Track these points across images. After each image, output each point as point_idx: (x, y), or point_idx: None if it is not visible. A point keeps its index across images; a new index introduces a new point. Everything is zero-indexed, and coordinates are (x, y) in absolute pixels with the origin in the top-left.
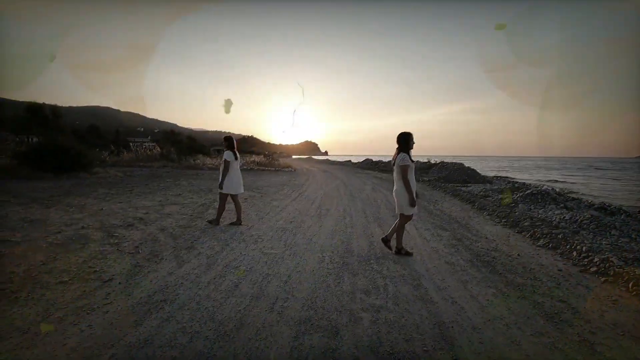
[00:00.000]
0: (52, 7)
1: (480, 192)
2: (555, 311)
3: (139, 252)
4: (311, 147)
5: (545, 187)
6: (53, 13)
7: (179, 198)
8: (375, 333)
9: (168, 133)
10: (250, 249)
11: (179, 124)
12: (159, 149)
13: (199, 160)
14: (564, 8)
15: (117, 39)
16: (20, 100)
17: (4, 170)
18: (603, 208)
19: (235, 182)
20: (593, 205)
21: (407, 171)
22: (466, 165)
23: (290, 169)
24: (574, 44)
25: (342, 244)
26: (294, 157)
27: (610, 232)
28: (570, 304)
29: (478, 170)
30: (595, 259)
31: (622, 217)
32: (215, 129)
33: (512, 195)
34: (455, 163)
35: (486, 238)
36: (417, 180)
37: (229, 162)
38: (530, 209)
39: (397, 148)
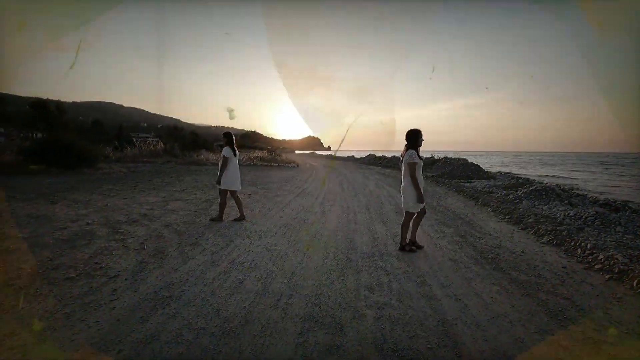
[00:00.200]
0: (54, 4)
1: (484, 188)
2: (560, 309)
3: (144, 249)
4: (314, 142)
5: (549, 183)
6: (55, 11)
7: (183, 194)
8: (379, 330)
9: (171, 129)
10: (255, 245)
11: (182, 120)
12: (162, 144)
13: (202, 156)
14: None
15: (120, 36)
16: (24, 95)
17: (9, 166)
18: (608, 204)
19: (234, 179)
20: (598, 201)
21: (415, 168)
22: (470, 161)
23: (293, 164)
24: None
25: (346, 241)
26: (297, 152)
27: (615, 229)
28: (575, 301)
29: (482, 166)
30: (600, 257)
31: (627, 213)
32: (218, 125)
33: (517, 191)
34: (459, 159)
35: (490, 235)
36: None
37: (227, 158)
38: (535, 205)
39: (405, 145)
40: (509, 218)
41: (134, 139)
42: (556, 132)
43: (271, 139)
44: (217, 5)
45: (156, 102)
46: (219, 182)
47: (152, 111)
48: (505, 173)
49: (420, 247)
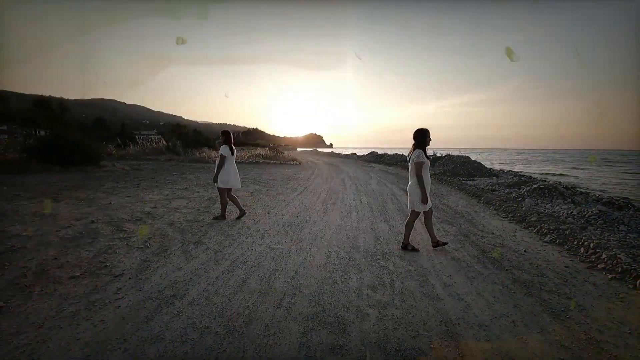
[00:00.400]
0: (57, 1)
1: (486, 186)
2: (562, 308)
3: (147, 247)
4: (316, 140)
5: (552, 181)
6: (58, 7)
7: (186, 192)
8: (382, 329)
9: (174, 126)
10: (257, 244)
11: (184, 117)
12: (164, 142)
13: (204, 154)
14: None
15: (122, 32)
16: (27, 93)
17: (13, 164)
18: (611, 202)
19: (232, 177)
20: (601, 199)
21: (421, 168)
22: (472, 159)
23: (295, 162)
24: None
25: (348, 239)
26: (299, 149)
27: (618, 228)
28: (577, 301)
29: (484, 163)
30: (603, 256)
31: (631, 211)
32: (220, 122)
33: (520, 189)
34: (462, 156)
35: (492, 233)
36: None
37: (224, 156)
38: (537, 204)
39: (413, 144)
40: (511, 216)
41: (137, 137)
42: (560, 129)
43: (273, 136)
44: (219, 3)
45: (159, 99)
46: (215, 180)
47: (154, 108)
48: (508, 171)
49: (444, 244)
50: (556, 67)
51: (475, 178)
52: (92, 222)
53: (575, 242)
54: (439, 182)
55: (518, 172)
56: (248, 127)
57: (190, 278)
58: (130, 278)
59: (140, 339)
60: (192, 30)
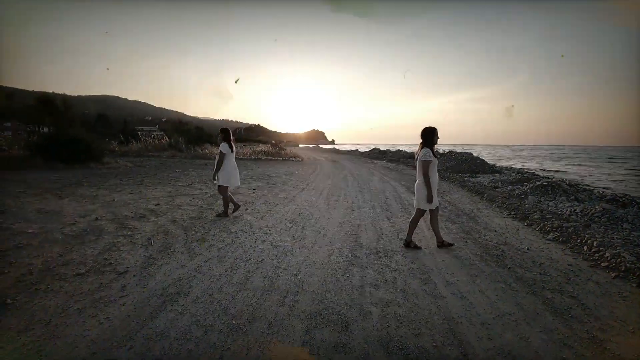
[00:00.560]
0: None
1: (489, 183)
2: (565, 307)
3: (151, 244)
4: (318, 136)
5: (555, 178)
6: (60, 3)
7: (189, 189)
8: (384, 328)
9: (176, 123)
10: (260, 241)
11: (187, 113)
12: (167, 138)
13: (206, 150)
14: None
15: (124, 29)
16: (30, 89)
17: (18, 161)
18: (615, 200)
19: (232, 175)
20: (605, 196)
21: (428, 167)
22: (475, 155)
23: (297, 158)
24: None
25: (351, 237)
26: (300, 145)
27: (622, 226)
28: (580, 300)
29: (487, 160)
30: (607, 254)
31: (635, 209)
32: (222, 118)
33: (523, 186)
34: (464, 153)
35: (495, 231)
36: None
37: (224, 154)
38: (541, 201)
39: (420, 143)
40: (514, 214)
41: (139, 133)
42: (563, 125)
43: (275, 132)
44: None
45: (161, 95)
46: (214, 178)
47: (157, 105)
48: (511, 167)
49: (450, 245)
50: (559, 64)
51: (478, 175)
52: (96, 219)
53: (579, 240)
54: (441, 178)
55: (520, 168)
56: (250, 123)
57: (194, 275)
58: (134, 275)
59: (145, 336)
60: (193, 27)
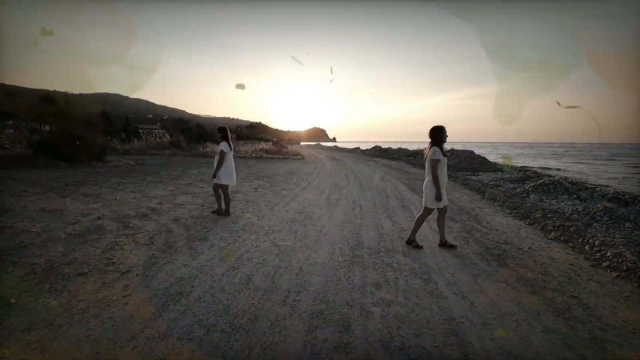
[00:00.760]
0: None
1: (490, 181)
2: (566, 307)
3: (153, 244)
4: (319, 133)
5: (557, 176)
6: (62, 2)
7: (190, 187)
8: (386, 328)
9: (177, 121)
10: (262, 240)
11: (188, 111)
12: (168, 136)
13: (208, 148)
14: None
15: (125, 27)
16: (32, 87)
17: (20, 159)
18: (617, 198)
19: (231, 174)
20: (607, 195)
21: (436, 166)
22: (476, 153)
23: (299, 156)
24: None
25: (352, 236)
26: (302, 143)
27: (624, 225)
28: (582, 299)
29: (488, 158)
30: (608, 254)
31: (637, 207)
32: (223, 116)
33: (524, 185)
34: (465, 150)
35: (497, 230)
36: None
37: (225, 153)
38: (542, 200)
39: (429, 142)
40: (516, 213)
41: (140, 131)
42: (565, 122)
43: (276, 130)
44: None
45: (162, 93)
46: (215, 176)
47: (158, 102)
48: (512, 165)
49: (452, 246)
50: (559, 61)
51: (479, 173)
52: (99, 218)
53: (580, 240)
54: None
55: (523, 166)
56: (251, 121)
57: (196, 275)
58: (137, 275)
59: (148, 336)
60: (195, 23)
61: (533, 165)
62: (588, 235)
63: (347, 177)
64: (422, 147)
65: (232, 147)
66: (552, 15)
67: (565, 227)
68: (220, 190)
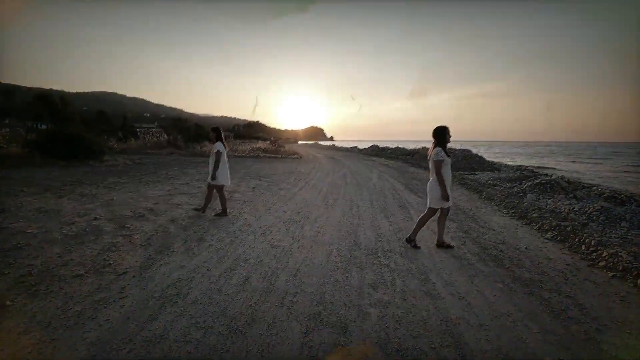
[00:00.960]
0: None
1: (487, 180)
2: (562, 308)
3: (150, 245)
4: (317, 132)
5: (554, 175)
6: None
7: (188, 187)
8: (383, 329)
9: (174, 120)
10: (259, 241)
11: (185, 110)
12: (165, 135)
13: (205, 148)
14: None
15: (122, 24)
16: (29, 86)
17: (17, 158)
18: (613, 197)
19: (226, 174)
20: (603, 194)
21: (440, 166)
22: (474, 152)
23: (296, 155)
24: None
25: (350, 236)
26: (300, 142)
27: (620, 224)
28: (578, 300)
29: (485, 157)
30: (604, 254)
31: (633, 206)
32: (221, 114)
33: (521, 184)
34: (463, 149)
35: (494, 230)
36: (424, 168)
37: (221, 153)
38: (539, 199)
39: (433, 142)
40: (512, 212)
41: (138, 130)
42: (563, 121)
43: (274, 129)
44: None
45: (159, 92)
46: (214, 178)
47: (155, 101)
48: (509, 164)
49: (450, 247)
50: (558, 59)
51: (476, 172)
52: (95, 218)
53: (577, 240)
54: None
55: (520, 166)
56: (249, 119)
57: (193, 276)
58: (133, 276)
59: (144, 338)
60: (191, 21)
61: (528, 164)
62: (584, 235)
63: (345, 176)
64: (418, 146)
65: (226, 147)
66: (550, 14)
67: (562, 227)
68: (215, 190)
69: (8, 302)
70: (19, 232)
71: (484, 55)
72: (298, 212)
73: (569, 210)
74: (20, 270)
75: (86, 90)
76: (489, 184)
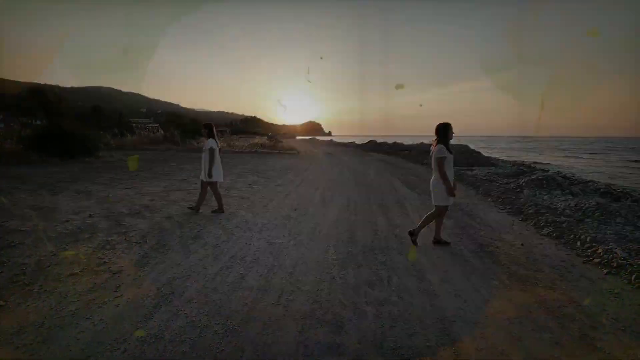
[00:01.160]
0: None
1: (485, 176)
2: (557, 305)
3: (146, 242)
4: (314, 128)
5: (551, 171)
6: None
7: (184, 183)
8: (379, 328)
9: (171, 115)
10: (256, 238)
11: (182, 105)
12: (162, 131)
13: (202, 143)
14: None
15: (118, 18)
16: (23, 80)
17: (11, 155)
18: (609, 192)
19: (220, 171)
20: (599, 189)
21: (443, 163)
22: (471, 148)
23: (294, 151)
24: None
25: (346, 233)
26: (297, 137)
27: (615, 220)
28: (572, 297)
29: (483, 152)
30: (599, 250)
31: (628, 202)
32: (218, 110)
33: (518, 179)
34: (460, 145)
35: (490, 226)
36: (421, 164)
37: (214, 150)
38: (536, 195)
39: (435, 139)
40: (509, 208)
41: (134, 125)
42: (563, 116)
43: (271, 124)
44: None
45: (156, 87)
46: (210, 176)
47: (152, 96)
48: (506, 160)
49: (447, 243)
50: (555, 54)
51: (473, 168)
52: (90, 216)
53: (572, 236)
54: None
55: (517, 161)
56: (246, 115)
57: (189, 275)
58: (128, 275)
59: (139, 338)
60: (187, 15)
61: (525, 160)
62: (580, 231)
63: (342, 172)
64: (416, 142)
65: (218, 143)
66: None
67: (558, 223)
68: (209, 187)
69: (1, 302)
70: (13, 230)
71: (479, 49)
72: (295, 209)
73: (565, 206)
74: (14, 269)
75: (81, 85)
76: (486, 179)
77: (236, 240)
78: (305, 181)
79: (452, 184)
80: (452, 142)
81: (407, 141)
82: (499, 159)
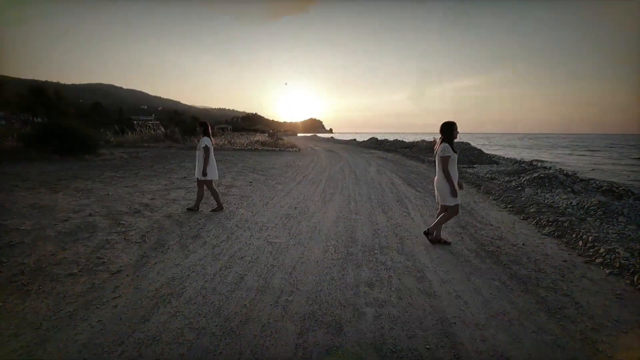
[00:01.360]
0: None
1: (486, 174)
2: (559, 306)
3: (145, 242)
4: (316, 125)
5: (553, 169)
6: None
7: (184, 182)
8: (378, 329)
9: (172, 113)
10: (255, 237)
11: (183, 102)
12: (162, 128)
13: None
14: None
15: (119, 15)
16: (24, 77)
17: (11, 153)
18: (611, 190)
19: (214, 169)
20: (601, 187)
21: (447, 162)
22: (473, 145)
23: (295, 148)
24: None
25: (346, 232)
26: (299, 135)
27: (617, 219)
28: (574, 298)
29: (483, 149)
30: (601, 250)
31: (630, 201)
32: (219, 107)
33: (520, 177)
34: (462, 142)
35: (491, 225)
36: (422, 161)
37: (209, 148)
38: (537, 193)
39: (439, 137)
40: (510, 207)
41: (134, 122)
42: (563, 113)
43: (272, 121)
44: None
45: (156, 83)
46: (205, 174)
47: (152, 93)
48: (508, 157)
49: (447, 243)
50: (552, 52)
51: (475, 165)
52: (90, 214)
53: (574, 235)
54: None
55: (519, 159)
56: (247, 112)
57: (188, 275)
58: (127, 275)
59: (137, 340)
60: (188, 11)
61: (527, 157)
62: (582, 230)
63: (343, 170)
64: (418, 139)
65: (213, 142)
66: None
67: (559, 222)
68: (205, 186)
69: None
70: (12, 229)
71: (484, 47)
72: (295, 208)
73: (567, 204)
74: (13, 269)
75: (81, 82)
76: (487, 177)
77: (235, 239)
78: (305, 179)
79: (456, 184)
80: (455, 140)
81: (408, 138)
82: (499, 156)
